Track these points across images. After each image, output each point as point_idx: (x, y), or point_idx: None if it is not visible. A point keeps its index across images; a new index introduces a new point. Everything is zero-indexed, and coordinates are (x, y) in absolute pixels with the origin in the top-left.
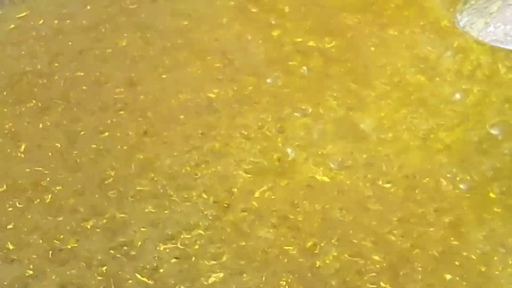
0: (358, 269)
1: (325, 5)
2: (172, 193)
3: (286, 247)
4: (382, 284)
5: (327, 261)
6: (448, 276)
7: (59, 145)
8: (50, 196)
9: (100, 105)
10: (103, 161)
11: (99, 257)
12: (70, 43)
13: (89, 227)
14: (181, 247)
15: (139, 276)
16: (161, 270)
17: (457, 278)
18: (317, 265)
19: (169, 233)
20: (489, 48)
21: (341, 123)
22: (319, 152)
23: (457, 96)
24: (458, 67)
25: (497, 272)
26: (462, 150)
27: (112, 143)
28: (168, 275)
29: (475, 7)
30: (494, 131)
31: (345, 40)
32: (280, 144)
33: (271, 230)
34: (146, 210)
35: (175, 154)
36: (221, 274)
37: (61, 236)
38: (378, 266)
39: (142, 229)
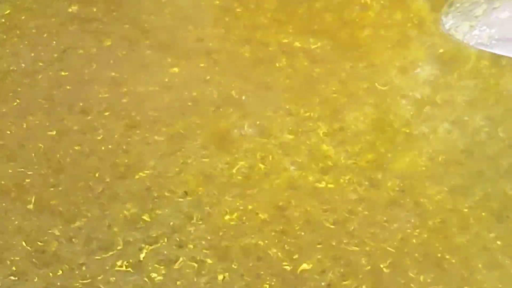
0: (341, 272)
1: (311, 5)
2: (156, 194)
3: (270, 250)
4: (364, 287)
5: (311, 265)
6: (431, 280)
7: (42, 146)
8: (33, 197)
9: (84, 106)
10: (87, 162)
11: (82, 259)
12: (54, 42)
13: (72, 228)
14: (165, 249)
15: (121, 278)
16: (144, 273)
17: (440, 284)
18: (300, 269)
19: (153, 235)
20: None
21: (327, 125)
22: (305, 154)
23: (445, 98)
24: (444, 70)
25: (479, 277)
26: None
27: (96, 144)
28: (151, 278)
29: (460, 10)
30: (478, 135)
31: (330, 41)
32: (265, 146)
33: (255, 233)
34: (130, 212)
35: (160, 155)
36: (205, 277)
37: (44, 238)
38: (362, 269)
39: (126, 231)
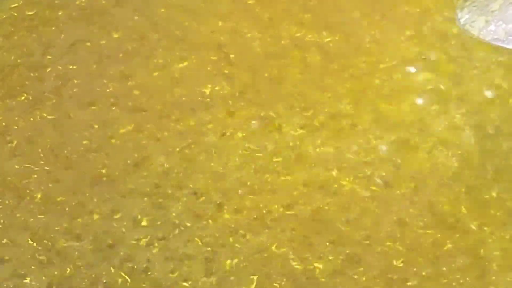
0: (352, 273)
1: None
2: (164, 191)
3: (280, 250)
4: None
5: (321, 265)
6: (444, 281)
7: (49, 141)
8: (40, 194)
9: (92, 100)
10: (95, 158)
11: (89, 258)
12: (62, 35)
13: (79, 226)
14: (173, 247)
15: (128, 277)
16: (152, 271)
17: (454, 284)
18: (311, 269)
19: (161, 233)
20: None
21: (338, 120)
22: (316, 150)
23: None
24: (458, 65)
25: (493, 278)
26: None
27: (104, 139)
28: (158, 277)
29: (476, 4)
30: (493, 130)
31: (343, 35)
32: (276, 141)
33: (265, 231)
34: (138, 209)
35: (169, 151)
36: (214, 276)
37: (51, 235)
38: (372, 270)
39: (133, 228)
